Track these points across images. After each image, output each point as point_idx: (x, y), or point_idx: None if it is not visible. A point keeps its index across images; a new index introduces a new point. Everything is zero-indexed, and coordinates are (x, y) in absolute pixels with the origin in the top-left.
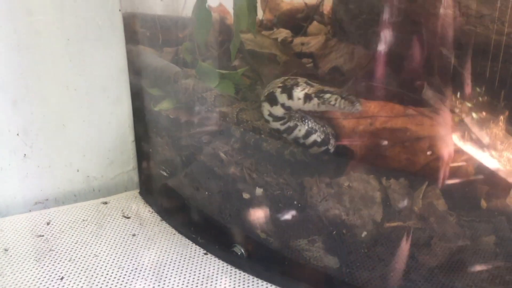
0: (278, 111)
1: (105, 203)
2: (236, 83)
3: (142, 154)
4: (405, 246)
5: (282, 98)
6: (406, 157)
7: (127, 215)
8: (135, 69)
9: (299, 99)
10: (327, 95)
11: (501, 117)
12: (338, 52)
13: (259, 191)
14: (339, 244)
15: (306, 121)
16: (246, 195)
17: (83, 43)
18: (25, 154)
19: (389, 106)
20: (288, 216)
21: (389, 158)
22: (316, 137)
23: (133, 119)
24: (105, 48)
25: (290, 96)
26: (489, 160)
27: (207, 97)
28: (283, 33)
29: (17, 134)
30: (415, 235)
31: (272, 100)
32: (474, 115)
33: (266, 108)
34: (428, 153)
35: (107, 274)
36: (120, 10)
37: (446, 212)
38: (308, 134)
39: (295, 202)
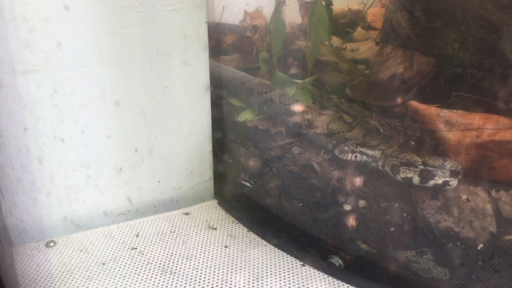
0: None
1: (187, 213)
2: (310, 91)
3: (220, 164)
4: None
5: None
6: None
7: (213, 226)
8: (214, 79)
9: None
10: None
11: None
12: (396, 59)
13: (362, 202)
14: (451, 256)
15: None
16: (347, 207)
17: (170, 55)
18: (121, 168)
19: (494, 118)
20: (395, 228)
21: (498, 170)
22: (436, 180)
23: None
24: (190, 60)
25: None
26: None
27: (294, 108)
28: (333, 40)
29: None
30: None
31: (425, 176)
32: None
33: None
34: None
35: (212, 287)
36: (206, 22)
37: None
38: (425, 180)
39: (404, 214)
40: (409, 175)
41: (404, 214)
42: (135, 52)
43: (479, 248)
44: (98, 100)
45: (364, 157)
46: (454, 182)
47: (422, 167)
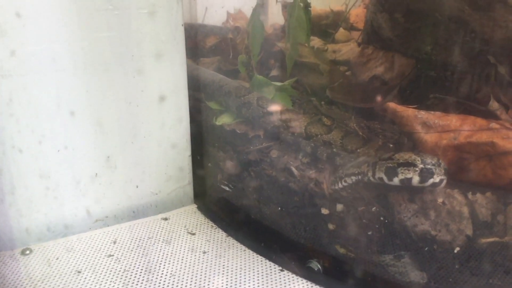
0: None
1: (166, 219)
2: (289, 94)
3: (199, 169)
4: (501, 261)
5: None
6: (492, 171)
7: (192, 231)
8: (192, 82)
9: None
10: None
11: None
12: (377, 61)
13: (339, 206)
14: (428, 259)
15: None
16: (325, 211)
17: (147, 59)
18: (96, 174)
19: (470, 119)
20: (372, 231)
21: (474, 172)
22: (435, 178)
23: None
24: (167, 63)
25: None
26: None
27: (272, 111)
28: (315, 41)
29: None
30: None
31: (425, 176)
32: None
33: (403, 175)
34: None
35: None
36: (182, 25)
37: None
38: (425, 179)
39: (381, 218)
40: (409, 176)
41: (381, 218)
42: (109, 56)
43: (455, 251)
44: (72, 106)
45: (353, 177)
46: (445, 180)
47: (422, 166)
